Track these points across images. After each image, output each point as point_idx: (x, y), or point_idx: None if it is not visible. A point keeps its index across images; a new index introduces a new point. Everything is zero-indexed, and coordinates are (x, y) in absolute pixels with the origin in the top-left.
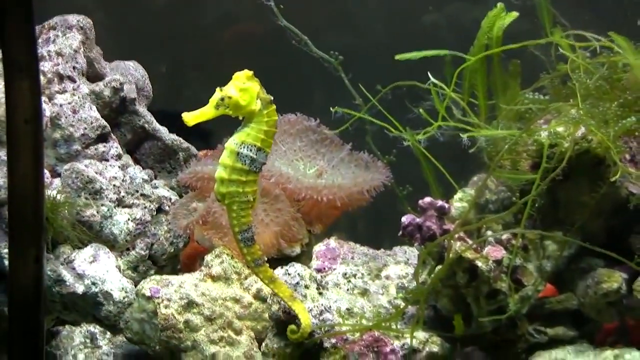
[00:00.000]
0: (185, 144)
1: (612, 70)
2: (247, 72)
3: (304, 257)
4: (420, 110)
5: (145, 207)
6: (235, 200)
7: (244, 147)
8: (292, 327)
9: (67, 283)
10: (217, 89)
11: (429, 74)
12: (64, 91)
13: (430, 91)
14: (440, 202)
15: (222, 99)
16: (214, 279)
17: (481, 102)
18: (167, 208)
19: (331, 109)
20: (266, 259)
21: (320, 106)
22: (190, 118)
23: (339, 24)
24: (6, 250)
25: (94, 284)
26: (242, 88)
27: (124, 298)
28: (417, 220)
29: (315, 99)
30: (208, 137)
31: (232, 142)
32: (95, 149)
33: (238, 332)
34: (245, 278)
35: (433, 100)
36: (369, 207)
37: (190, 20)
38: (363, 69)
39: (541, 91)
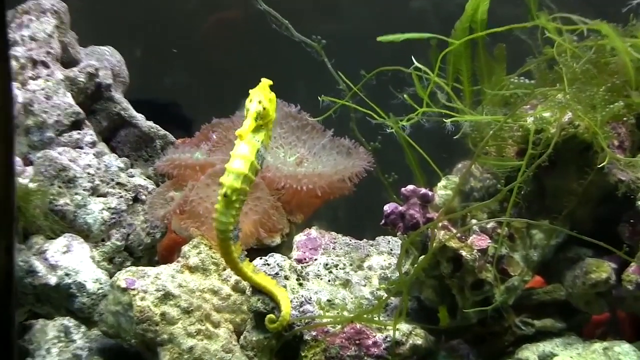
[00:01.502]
0: (163, 132)
1: (600, 54)
2: (269, 82)
3: (284, 248)
4: (405, 96)
5: (121, 196)
6: (240, 198)
7: (262, 147)
8: (271, 316)
9: (40, 274)
10: (255, 100)
11: (412, 58)
12: (37, 77)
13: (416, 77)
14: (423, 190)
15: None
16: (192, 270)
17: (466, 87)
18: (143, 197)
19: (319, 97)
20: (246, 252)
21: (302, 92)
22: (244, 133)
23: (323, 8)
24: None
25: (67, 275)
26: (270, 98)
27: (98, 290)
28: (400, 208)
29: (297, 85)
30: (185, 124)
31: (255, 140)
32: (70, 137)
33: (216, 325)
34: (224, 269)
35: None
36: (351, 196)
37: (169, 5)
38: (347, 54)
39: (527, 76)
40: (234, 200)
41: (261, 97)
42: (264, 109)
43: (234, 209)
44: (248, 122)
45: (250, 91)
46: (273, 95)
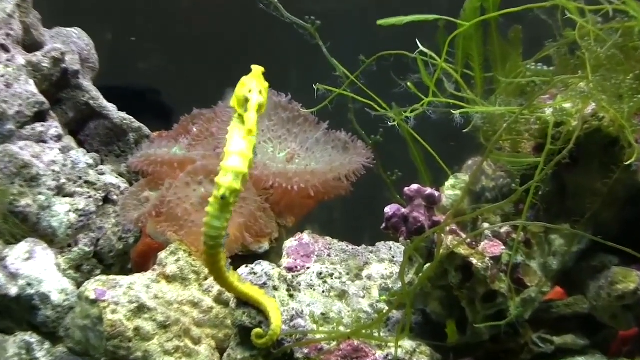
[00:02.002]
0: (137, 124)
1: (627, 37)
2: (261, 69)
3: (273, 254)
4: (408, 84)
5: (89, 197)
6: (236, 200)
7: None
8: (258, 330)
9: None
10: (255, 90)
11: (417, 42)
12: None
13: (421, 62)
14: (429, 190)
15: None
16: (169, 279)
17: (477, 75)
18: (115, 198)
19: (313, 86)
20: (230, 260)
21: (293, 80)
22: (254, 127)
23: None
24: None
25: (29, 285)
26: (264, 88)
27: (64, 301)
28: (403, 210)
29: (288, 71)
30: (163, 116)
31: (252, 136)
32: (32, 129)
33: (196, 341)
34: (205, 279)
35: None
36: (348, 196)
37: None
38: (344, 37)
39: (546, 62)
40: (231, 203)
41: (260, 86)
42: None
43: (228, 212)
44: (253, 115)
45: (243, 79)
46: (266, 84)
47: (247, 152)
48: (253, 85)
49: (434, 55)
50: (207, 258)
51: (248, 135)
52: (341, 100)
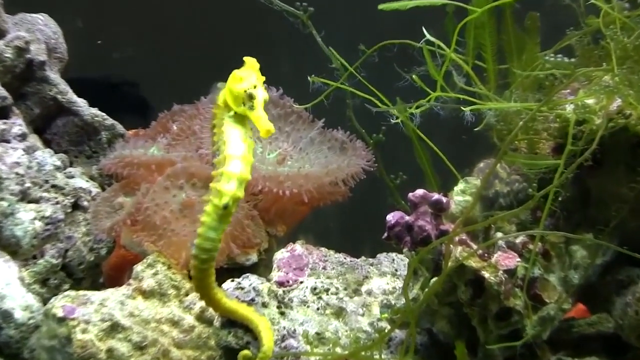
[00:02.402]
0: (110, 121)
1: None
2: (254, 61)
3: (262, 267)
4: (414, 76)
5: (57, 203)
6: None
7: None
8: (246, 352)
9: None
10: (260, 86)
11: (423, 30)
12: None
13: (427, 53)
14: (436, 196)
15: None
16: (146, 295)
17: (490, 67)
18: (85, 204)
19: (308, 78)
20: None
21: (285, 73)
22: (272, 128)
23: None
24: None
25: None
26: (261, 82)
27: (29, 320)
28: (407, 218)
29: (279, 63)
30: (139, 112)
31: (249, 137)
32: None
33: None
34: (187, 294)
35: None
36: (346, 202)
37: None
38: (341, 25)
39: (566, 53)
40: (231, 213)
41: (260, 81)
42: None
43: (227, 223)
44: (262, 114)
45: (238, 73)
46: (263, 77)
47: (249, 155)
48: (254, 79)
49: (441, 45)
50: (197, 273)
51: (264, 136)
52: (339, 95)
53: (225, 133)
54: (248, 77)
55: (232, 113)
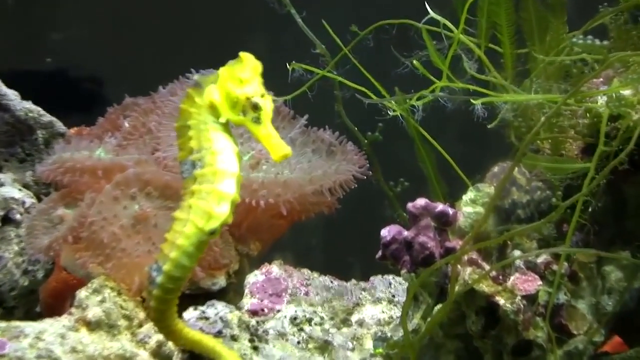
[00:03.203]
0: (47, 117)
1: None
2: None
3: (232, 293)
4: (415, 62)
5: None
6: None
7: None
8: None
9: None
10: (268, 95)
11: (427, 6)
12: None
13: (427, 36)
14: (440, 206)
15: None
16: (92, 326)
17: (506, 52)
18: (18, 217)
19: (288, 65)
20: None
21: (258, 57)
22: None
23: None
24: None
25: None
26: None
27: None
28: (406, 234)
29: (254, 48)
30: (82, 106)
31: (236, 147)
32: None
33: None
34: (140, 325)
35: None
36: (332, 215)
37: None
38: (328, 2)
39: (598, 34)
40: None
41: (261, 85)
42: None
43: (204, 250)
44: (273, 132)
45: (237, 71)
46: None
47: (238, 171)
48: (259, 85)
49: (449, 24)
50: (158, 304)
51: (277, 160)
52: (326, 86)
53: (214, 142)
54: (251, 80)
55: (223, 119)
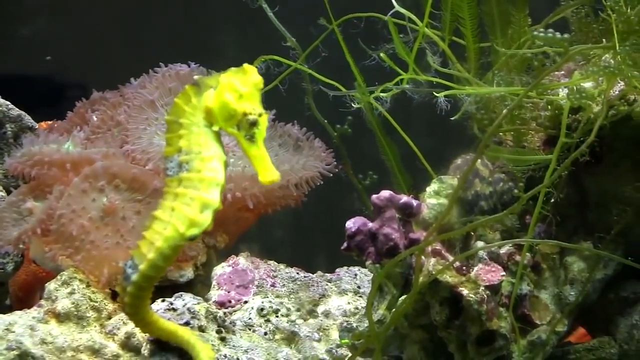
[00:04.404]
0: (16, 111)
1: None
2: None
3: (199, 284)
4: (381, 55)
5: None
6: None
7: None
8: None
9: None
10: (261, 111)
11: (392, 0)
12: None
13: (394, 28)
14: (404, 198)
15: None
16: (61, 318)
17: (469, 44)
18: None
19: (260, 59)
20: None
21: (228, 51)
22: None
23: None
24: None
25: None
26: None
27: None
28: (370, 225)
29: (222, 40)
30: (51, 100)
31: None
32: None
33: None
34: (109, 317)
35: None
36: (299, 208)
37: None
38: None
39: (559, 27)
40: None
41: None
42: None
43: (180, 251)
44: (266, 154)
45: (238, 84)
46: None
47: (223, 180)
48: (258, 104)
49: (413, 17)
50: (133, 300)
51: (265, 183)
52: (293, 80)
53: (204, 149)
54: (251, 96)
55: (216, 128)
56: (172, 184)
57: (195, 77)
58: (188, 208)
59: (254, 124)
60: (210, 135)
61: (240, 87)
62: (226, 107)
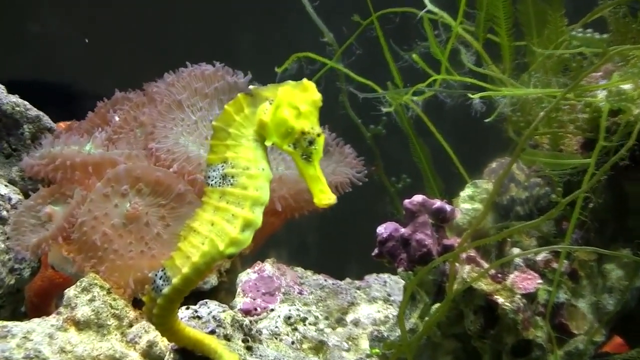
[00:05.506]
0: (35, 112)
1: None
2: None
3: (223, 292)
4: (414, 56)
5: None
6: None
7: None
8: None
9: None
10: (319, 131)
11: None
12: None
13: (429, 27)
14: (438, 203)
15: None
16: (81, 326)
17: (504, 44)
18: (4, 214)
19: (294, 56)
20: None
21: (251, 50)
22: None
23: None
24: None
25: None
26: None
27: None
28: (403, 231)
29: (244, 39)
30: (71, 100)
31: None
32: None
33: None
34: (130, 325)
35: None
36: (327, 212)
37: None
38: None
39: (597, 27)
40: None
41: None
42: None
43: (213, 266)
44: (322, 176)
45: (296, 100)
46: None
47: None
48: (315, 124)
49: (446, 16)
50: (162, 311)
51: (320, 206)
52: (323, 81)
53: (253, 166)
54: (310, 115)
55: (268, 143)
56: (213, 195)
57: (251, 87)
58: (229, 225)
59: (311, 143)
60: (260, 151)
61: (298, 103)
62: (284, 124)
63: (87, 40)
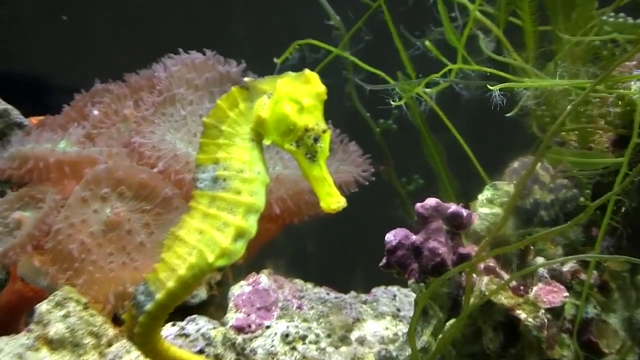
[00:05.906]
0: (2, 105)
1: None
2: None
3: (213, 307)
4: (427, 42)
5: None
6: None
7: None
8: None
9: None
10: (325, 127)
11: None
12: None
13: (443, 11)
14: (453, 207)
15: None
16: (54, 345)
17: (528, 30)
18: None
19: (295, 44)
20: None
21: (246, 37)
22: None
23: None
24: None
25: None
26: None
27: None
28: (414, 238)
29: (238, 24)
30: (44, 92)
31: (268, 178)
32: None
33: None
34: (109, 344)
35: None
36: (330, 217)
37: None
38: None
39: (631, 11)
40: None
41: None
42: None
43: (202, 280)
44: (329, 177)
45: (297, 94)
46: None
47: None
48: (320, 119)
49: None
50: (144, 330)
51: (328, 211)
52: (326, 73)
53: (248, 168)
54: (314, 109)
55: (266, 142)
56: (202, 200)
57: (246, 79)
58: (220, 234)
59: (316, 140)
60: (256, 152)
61: (300, 96)
62: (285, 120)
63: (65, 18)
